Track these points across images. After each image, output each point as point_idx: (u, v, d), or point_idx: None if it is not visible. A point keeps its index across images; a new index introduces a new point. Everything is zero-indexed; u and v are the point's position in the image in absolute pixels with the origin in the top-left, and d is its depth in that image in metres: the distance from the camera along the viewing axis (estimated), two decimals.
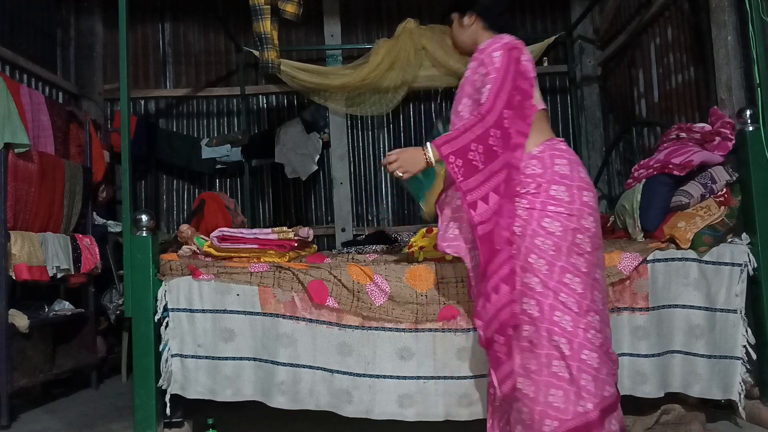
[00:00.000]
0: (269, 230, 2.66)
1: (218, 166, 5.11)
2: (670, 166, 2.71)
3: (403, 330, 2.44)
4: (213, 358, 2.50)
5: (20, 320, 3.12)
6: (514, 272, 1.93)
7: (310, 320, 2.46)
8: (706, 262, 2.53)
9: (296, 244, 2.76)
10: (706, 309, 2.52)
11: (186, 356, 2.50)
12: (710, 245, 2.53)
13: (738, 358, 2.50)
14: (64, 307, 3.63)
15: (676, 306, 2.52)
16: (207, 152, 5.01)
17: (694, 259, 2.53)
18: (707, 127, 2.79)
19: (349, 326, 2.45)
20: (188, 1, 5.30)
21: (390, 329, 2.44)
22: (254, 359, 2.49)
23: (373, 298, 2.43)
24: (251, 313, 2.49)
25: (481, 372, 2.37)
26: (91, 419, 3.08)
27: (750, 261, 2.54)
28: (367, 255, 2.86)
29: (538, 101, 2.07)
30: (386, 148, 5.25)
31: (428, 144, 2.03)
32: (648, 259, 2.51)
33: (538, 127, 2.05)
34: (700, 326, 2.51)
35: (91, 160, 3.94)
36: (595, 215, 1.99)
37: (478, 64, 2.09)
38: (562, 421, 1.83)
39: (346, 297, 2.43)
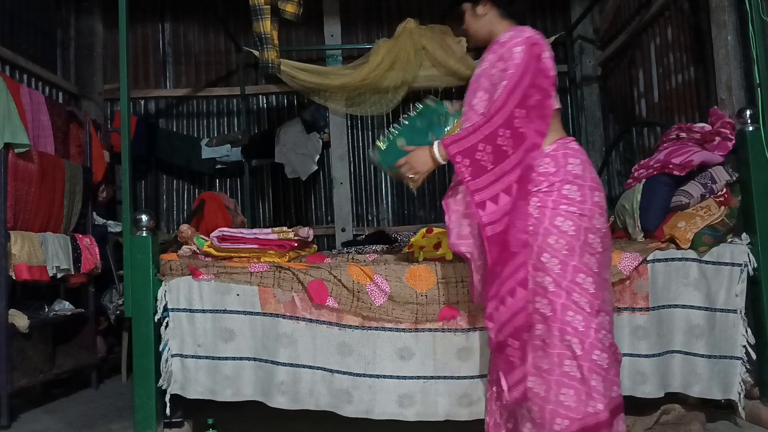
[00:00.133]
0: (269, 230, 2.66)
1: (218, 166, 5.11)
2: (670, 166, 2.71)
3: (403, 330, 2.44)
4: (213, 358, 2.49)
5: (20, 320, 3.12)
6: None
7: (310, 320, 2.46)
8: (706, 262, 2.53)
9: (296, 244, 2.76)
10: (706, 309, 2.52)
11: (186, 356, 2.50)
12: (710, 245, 2.53)
13: (738, 358, 2.50)
14: (64, 307, 3.63)
15: (676, 306, 2.52)
16: (207, 152, 5.01)
17: (694, 259, 2.53)
18: (707, 127, 2.79)
19: (349, 326, 2.45)
20: (188, 1, 5.30)
21: (390, 329, 2.44)
22: (254, 359, 2.49)
23: (373, 298, 2.43)
24: (251, 313, 2.49)
25: (482, 372, 2.38)
26: (91, 419, 3.08)
27: (750, 261, 2.54)
28: (367, 255, 2.86)
29: (555, 100, 2.02)
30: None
31: (436, 144, 2.02)
32: (648, 259, 2.51)
33: (552, 125, 2.01)
34: (700, 326, 2.51)
35: (91, 160, 3.94)
36: (605, 216, 1.98)
37: (498, 58, 2.02)
38: (573, 420, 1.83)
39: (346, 297, 2.43)
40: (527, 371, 1.91)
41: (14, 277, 3.11)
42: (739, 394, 2.50)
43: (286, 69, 4.63)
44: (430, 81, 4.96)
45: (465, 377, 2.42)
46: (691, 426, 2.43)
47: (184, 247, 2.79)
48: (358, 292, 2.43)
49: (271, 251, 2.63)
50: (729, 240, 2.60)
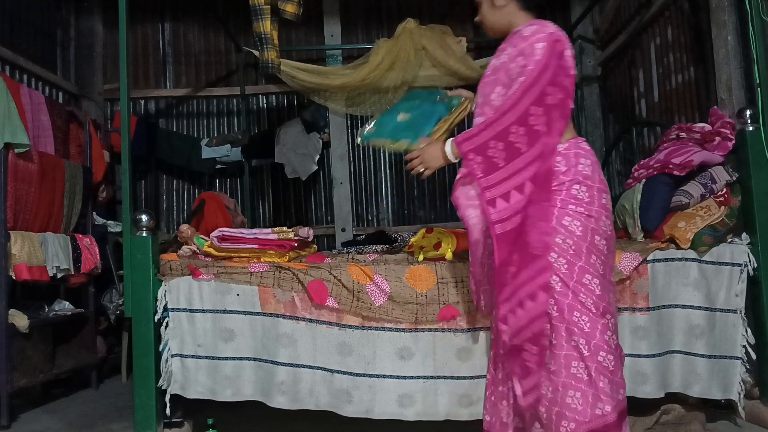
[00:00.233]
0: (269, 230, 2.66)
1: (218, 166, 5.11)
2: (670, 166, 2.71)
3: (403, 330, 2.44)
4: (213, 358, 2.49)
5: (20, 320, 3.12)
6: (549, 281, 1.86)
7: (310, 320, 2.46)
8: (706, 262, 2.53)
9: (296, 244, 2.76)
10: (706, 309, 2.52)
11: (186, 356, 2.50)
12: (710, 245, 2.53)
13: (738, 358, 2.51)
14: (64, 307, 3.63)
15: (676, 306, 2.52)
16: (207, 152, 5.01)
17: (694, 259, 2.53)
18: (707, 127, 2.79)
19: (349, 326, 2.45)
20: (188, 1, 5.30)
21: (390, 329, 2.44)
22: (254, 359, 2.49)
23: (373, 298, 2.42)
24: (251, 313, 2.49)
25: (481, 372, 2.38)
26: (91, 419, 3.08)
27: (750, 261, 2.54)
28: (367, 255, 2.86)
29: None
30: (386, 148, 5.24)
31: (449, 142, 2.01)
32: (648, 259, 2.51)
33: None
34: (700, 326, 2.51)
35: (91, 160, 3.94)
36: (611, 218, 1.97)
37: (518, 52, 1.96)
38: (579, 423, 1.81)
39: (346, 297, 2.43)
40: (543, 377, 1.89)
41: (14, 277, 3.11)
42: (739, 394, 2.50)
43: (286, 69, 4.63)
44: (430, 81, 4.94)
45: (465, 377, 2.42)
46: (691, 426, 2.43)
47: (184, 247, 2.79)
48: (358, 292, 2.43)
49: (271, 251, 2.63)
50: (729, 240, 2.60)
